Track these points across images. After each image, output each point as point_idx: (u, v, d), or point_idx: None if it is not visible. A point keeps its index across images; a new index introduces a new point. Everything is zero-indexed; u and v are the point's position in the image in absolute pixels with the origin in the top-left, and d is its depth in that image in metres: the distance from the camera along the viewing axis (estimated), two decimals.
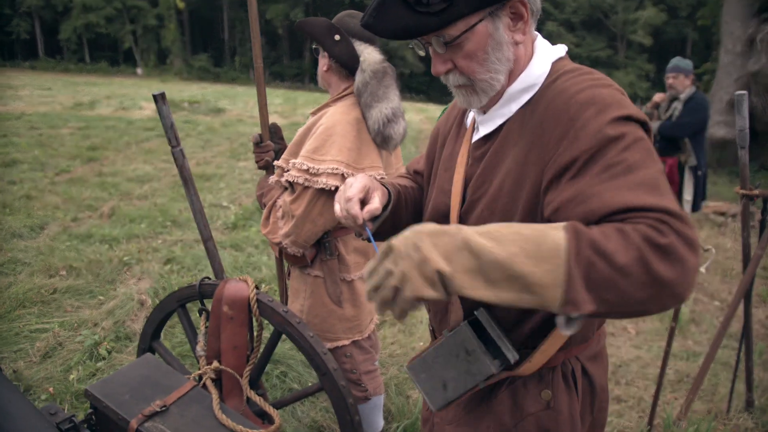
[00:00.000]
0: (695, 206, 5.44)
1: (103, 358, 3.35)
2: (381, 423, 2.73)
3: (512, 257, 0.96)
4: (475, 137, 1.35)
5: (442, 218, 1.40)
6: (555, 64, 1.26)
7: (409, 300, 1.00)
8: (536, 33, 1.30)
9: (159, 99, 2.02)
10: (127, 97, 19.65)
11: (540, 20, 1.32)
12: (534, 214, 1.18)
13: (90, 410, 1.79)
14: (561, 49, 1.30)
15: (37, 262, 4.70)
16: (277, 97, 24.20)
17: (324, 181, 2.18)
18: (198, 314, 2.18)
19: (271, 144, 2.54)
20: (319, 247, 2.41)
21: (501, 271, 0.96)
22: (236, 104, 20.06)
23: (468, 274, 0.98)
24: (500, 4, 1.17)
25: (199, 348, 2.09)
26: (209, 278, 2.18)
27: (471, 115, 1.41)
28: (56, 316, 3.88)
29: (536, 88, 1.23)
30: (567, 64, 1.26)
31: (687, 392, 3.10)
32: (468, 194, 1.33)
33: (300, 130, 2.42)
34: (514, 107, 1.25)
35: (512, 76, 1.26)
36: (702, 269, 2.94)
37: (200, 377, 2.02)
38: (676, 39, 44.37)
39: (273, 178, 2.46)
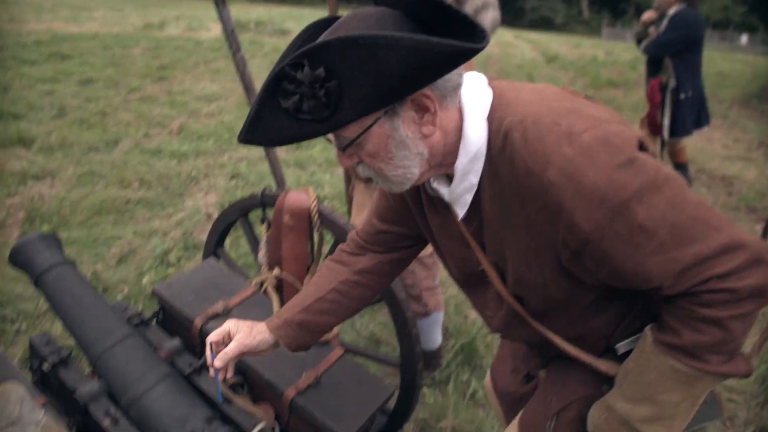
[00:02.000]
0: (674, 131, 4.93)
1: (173, 265, 3.49)
2: (439, 339, 2.74)
3: (665, 401, 1.12)
4: (460, 216, 1.20)
5: (478, 280, 1.31)
6: (490, 118, 1.07)
7: None
8: (459, 82, 1.07)
9: (219, 3, 1.95)
10: (195, 18, 19.71)
11: None
12: (569, 277, 1.12)
13: (158, 308, 1.86)
14: (483, 92, 1.09)
15: (112, 174, 4.90)
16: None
17: None
18: (260, 223, 2.20)
19: None
20: None
21: (672, 409, 1.12)
22: (302, 25, 19.56)
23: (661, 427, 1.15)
24: (398, 102, 0.99)
25: (261, 255, 2.12)
26: (271, 189, 2.17)
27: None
28: (130, 225, 4.06)
29: (482, 158, 1.08)
30: (503, 113, 1.06)
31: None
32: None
33: None
34: (474, 179, 1.11)
35: (448, 155, 1.10)
36: None
37: (261, 283, 2.05)
38: None
39: None
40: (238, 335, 1.40)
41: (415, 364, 2.00)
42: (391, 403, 2.10)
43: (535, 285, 1.15)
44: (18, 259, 1.71)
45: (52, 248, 1.73)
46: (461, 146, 1.08)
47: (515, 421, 1.52)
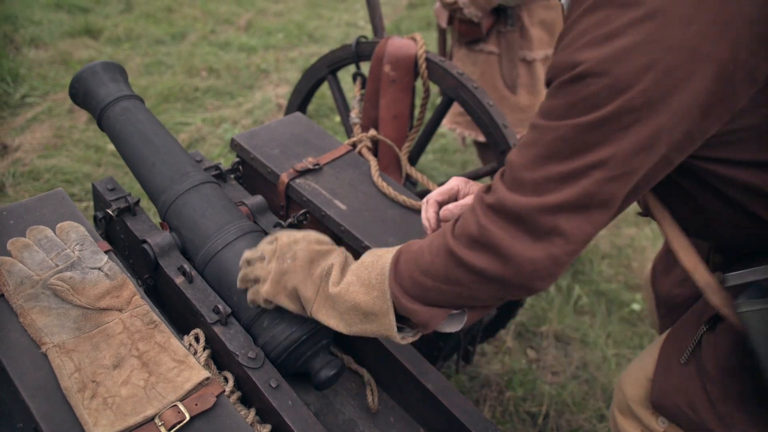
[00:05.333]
0: None
1: None
2: None
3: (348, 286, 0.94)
4: None
5: None
6: None
7: (262, 297, 1.05)
8: None
9: None
10: None
11: None
12: None
13: (236, 159, 1.58)
14: None
15: (179, 64, 4.67)
16: None
17: None
18: (352, 80, 1.87)
19: None
20: (499, 16, 1.96)
21: (342, 304, 0.95)
22: None
23: (325, 303, 0.97)
24: None
25: (354, 115, 1.80)
26: (365, 37, 1.82)
27: None
28: (198, 113, 3.84)
29: None
30: None
31: None
32: None
33: None
34: None
35: None
36: None
37: (354, 145, 1.74)
38: None
39: None
40: (468, 200, 1.09)
41: None
42: None
43: None
44: (78, 90, 1.44)
45: (117, 80, 1.45)
46: None
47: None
